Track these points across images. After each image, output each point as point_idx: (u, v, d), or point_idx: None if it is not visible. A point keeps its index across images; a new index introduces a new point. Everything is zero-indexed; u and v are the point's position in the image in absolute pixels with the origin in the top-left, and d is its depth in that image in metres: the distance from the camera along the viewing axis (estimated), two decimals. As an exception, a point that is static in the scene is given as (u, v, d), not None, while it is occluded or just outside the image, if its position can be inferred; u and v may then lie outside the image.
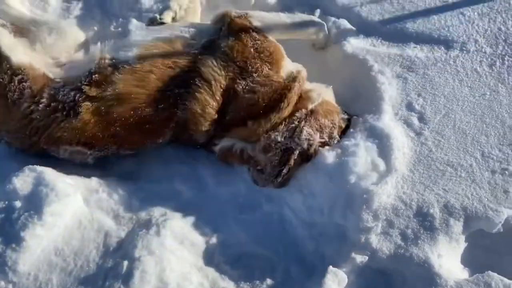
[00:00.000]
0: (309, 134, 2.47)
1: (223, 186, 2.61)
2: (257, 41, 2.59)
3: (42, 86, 2.51)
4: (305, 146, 2.45)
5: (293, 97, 2.53)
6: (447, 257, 2.25)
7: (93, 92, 2.47)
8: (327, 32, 2.91)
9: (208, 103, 2.49)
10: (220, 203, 2.55)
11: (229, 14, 2.69)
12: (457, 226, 2.29)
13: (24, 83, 2.50)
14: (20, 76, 2.51)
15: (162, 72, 2.51)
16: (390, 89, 2.69)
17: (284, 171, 2.44)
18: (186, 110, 2.51)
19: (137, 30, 2.82)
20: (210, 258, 2.38)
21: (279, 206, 2.52)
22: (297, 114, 2.51)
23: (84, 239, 2.34)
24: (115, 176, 2.65)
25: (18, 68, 2.52)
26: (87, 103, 2.46)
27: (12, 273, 2.19)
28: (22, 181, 2.35)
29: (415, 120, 2.60)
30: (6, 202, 2.30)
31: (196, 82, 2.49)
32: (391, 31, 2.95)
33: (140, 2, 3.15)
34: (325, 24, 2.90)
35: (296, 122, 2.49)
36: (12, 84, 2.50)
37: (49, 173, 2.40)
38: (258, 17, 2.71)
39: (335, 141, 2.55)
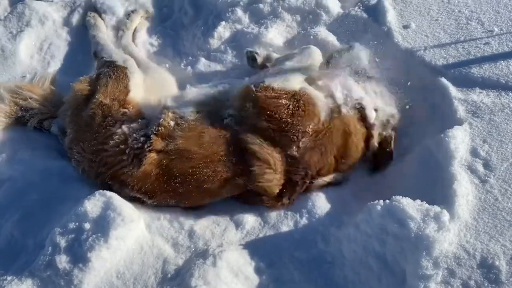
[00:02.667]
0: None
1: (280, 221, 2.64)
2: (289, 108, 2.59)
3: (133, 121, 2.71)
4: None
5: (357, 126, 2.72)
6: (513, 314, 2.12)
7: (158, 145, 2.60)
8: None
9: (272, 180, 2.58)
10: (276, 238, 2.57)
11: (250, 90, 2.65)
12: (526, 281, 2.16)
13: (124, 116, 2.73)
14: (125, 110, 2.75)
15: (215, 136, 2.58)
16: (453, 134, 2.64)
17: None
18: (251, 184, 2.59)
19: (192, 87, 2.93)
20: (263, 293, 2.39)
21: (334, 246, 2.49)
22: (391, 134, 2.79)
23: (144, 264, 2.44)
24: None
25: (128, 102, 2.78)
26: (152, 154, 2.58)
27: (77, 291, 2.32)
28: (93, 205, 2.49)
29: (479, 167, 2.52)
30: (77, 223, 2.45)
31: (254, 164, 2.55)
32: (456, 75, 2.92)
33: (209, 42, 3.37)
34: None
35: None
36: (116, 113, 2.73)
37: (117, 198, 2.54)
38: (276, 80, 2.70)
39: None
